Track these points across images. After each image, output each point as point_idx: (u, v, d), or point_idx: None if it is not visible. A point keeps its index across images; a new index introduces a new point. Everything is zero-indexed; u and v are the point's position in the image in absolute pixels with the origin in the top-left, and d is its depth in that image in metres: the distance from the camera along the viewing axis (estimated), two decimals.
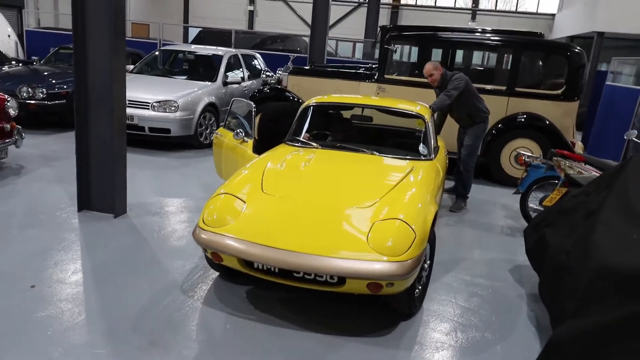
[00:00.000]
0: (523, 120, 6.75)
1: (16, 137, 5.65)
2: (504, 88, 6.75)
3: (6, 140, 5.53)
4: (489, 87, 6.80)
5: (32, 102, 7.49)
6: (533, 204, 5.15)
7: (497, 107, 6.62)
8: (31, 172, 5.68)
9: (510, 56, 6.86)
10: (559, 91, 6.64)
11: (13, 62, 9.98)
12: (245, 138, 4.49)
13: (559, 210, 3.51)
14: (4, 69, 8.84)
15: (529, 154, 5.16)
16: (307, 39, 12.99)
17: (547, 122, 6.65)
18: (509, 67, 6.87)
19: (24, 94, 7.45)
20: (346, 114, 5.28)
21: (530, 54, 7.14)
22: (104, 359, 2.60)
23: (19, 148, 5.77)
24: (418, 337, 3.06)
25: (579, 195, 3.45)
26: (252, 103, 4.62)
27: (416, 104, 4.80)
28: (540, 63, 7.37)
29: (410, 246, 2.84)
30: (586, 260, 2.31)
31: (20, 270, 3.44)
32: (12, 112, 5.71)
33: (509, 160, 6.75)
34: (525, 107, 6.72)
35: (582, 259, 2.47)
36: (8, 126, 5.61)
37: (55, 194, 5.00)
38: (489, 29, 8.19)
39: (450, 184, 5.95)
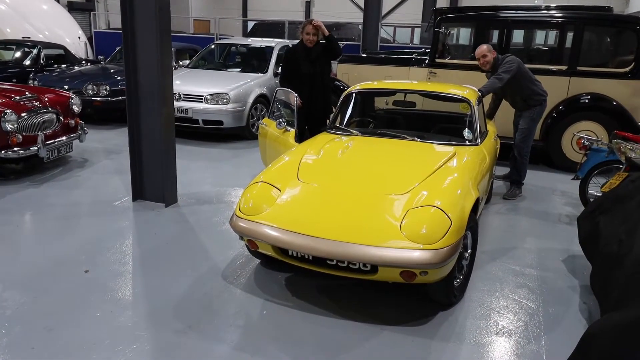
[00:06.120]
0: (587, 101, 6.33)
1: (80, 132, 6.02)
2: (564, 68, 6.35)
3: (71, 135, 5.91)
4: (547, 67, 6.42)
5: (97, 99, 7.95)
6: (594, 190, 4.82)
7: (557, 88, 6.25)
8: (93, 164, 6.04)
9: (572, 33, 6.43)
10: (627, 69, 6.15)
11: (83, 62, 10.64)
12: (288, 127, 4.52)
13: (615, 196, 3.27)
14: (75, 68, 9.44)
15: (589, 137, 4.83)
16: (361, 27, 12.84)
17: (614, 103, 6.19)
18: (570, 46, 6.45)
19: (90, 92, 7.93)
20: (389, 100, 5.18)
21: (595, 30, 6.65)
22: (144, 341, 2.73)
23: (83, 142, 6.14)
24: (457, 327, 2.97)
25: (638, 180, 3.19)
26: (295, 93, 4.64)
27: (464, 87, 4.62)
28: (608, 39, 6.85)
29: (445, 234, 2.75)
30: (632, 249, 2.13)
31: (77, 256, 3.68)
32: (76, 108, 6.08)
33: (571, 144, 6.36)
34: (589, 87, 6.29)
35: (631, 249, 2.29)
36: (73, 122, 6.00)
37: (114, 185, 5.29)
38: (553, 5, 7.71)
39: (505, 170, 5.72)
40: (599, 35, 6.85)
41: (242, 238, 3.16)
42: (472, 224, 3.19)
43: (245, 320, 2.98)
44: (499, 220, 4.74)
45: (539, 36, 10.72)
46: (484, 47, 5.12)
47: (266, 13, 23.85)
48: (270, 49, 8.58)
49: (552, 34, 9.27)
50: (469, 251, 3.27)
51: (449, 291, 3.05)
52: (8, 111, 5.11)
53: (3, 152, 5.11)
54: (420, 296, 3.22)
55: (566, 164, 6.35)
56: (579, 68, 6.31)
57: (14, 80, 8.49)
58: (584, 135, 4.84)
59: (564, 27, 6.58)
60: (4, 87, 6.01)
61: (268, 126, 4.87)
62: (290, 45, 5.73)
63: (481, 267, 3.69)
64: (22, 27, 12.45)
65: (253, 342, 2.77)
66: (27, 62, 9.51)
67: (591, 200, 4.78)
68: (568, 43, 6.52)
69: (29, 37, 11.46)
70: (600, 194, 4.57)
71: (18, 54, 9.74)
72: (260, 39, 9.94)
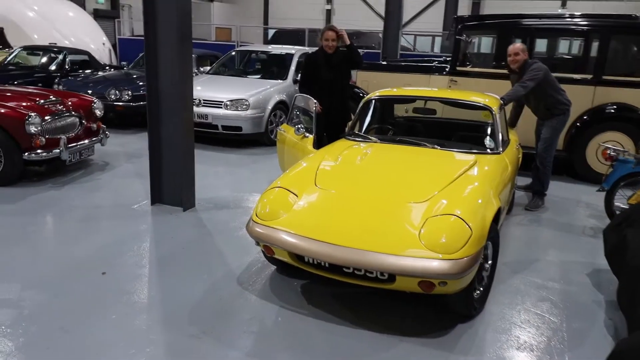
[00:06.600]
0: (613, 111, 6.17)
1: (102, 135, 6.10)
2: (589, 77, 6.21)
3: (93, 139, 5.98)
4: (572, 76, 6.29)
5: (119, 103, 8.06)
6: (620, 202, 4.68)
7: (582, 97, 6.11)
8: (114, 168, 6.11)
9: (597, 42, 6.29)
10: None
11: (107, 68, 10.83)
12: (306, 134, 4.50)
13: None
14: (99, 73, 9.61)
15: (615, 147, 4.69)
16: (381, 35, 12.81)
17: None
18: (595, 54, 6.31)
19: (112, 97, 8.04)
20: (409, 107, 5.12)
21: (621, 39, 6.50)
22: (158, 345, 2.72)
23: (104, 146, 6.22)
24: (476, 341, 2.89)
25: None
26: (314, 99, 4.61)
27: (485, 95, 4.55)
28: (634, 48, 6.68)
29: (466, 244, 2.68)
30: None
31: (94, 258, 3.70)
32: (98, 112, 6.16)
33: (595, 155, 6.20)
34: (614, 96, 6.14)
35: None
36: (95, 126, 6.08)
37: (134, 188, 5.33)
38: (578, 13, 7.57)
39: (527, 180, 5.60)
40: (625, 44, 6.69)
41: (258, 243, 3.14)
42: (493, 234, 3.11)
43: (260, 326, 2.95)
44: (521, 232, 4.63)
45: (563, 44, 10.56)
46: (518, 45, 5.01)
47: (287, 21, 24.01)
48: (290, 56, 8.59)
49: (577, 43, 9.11)
50: (489, 262, 3.19)
51: (469, 303, 2.97)
52: (32, 114, 5.20)
53: (27, 154, 5.19)
54: (439, 307, 3.14)
55: (590, 175, 6.19)
56: (604, 77, 6.16)
57: (40, 84, 8.68)
58: (610, 146, 4.71)
59: (589, 35, 6.44)
60: (29, 90, 6.13)
61: (286, 132, 4.85)
62: (310, 52, 5.73)
63: (502, 280, 3.60)
64: (50, 33, 12.75)
65: (266, 349, 2.74)
66: (53, 68, 9.71)
67: (617, 212, 4.64)
68: (593, 52, 6.38)
69: (56, 43, 11.71)
70: (627, 207, 4.45)
71: (44, 60, 9.95)
72: (280, 46, 9.98)
